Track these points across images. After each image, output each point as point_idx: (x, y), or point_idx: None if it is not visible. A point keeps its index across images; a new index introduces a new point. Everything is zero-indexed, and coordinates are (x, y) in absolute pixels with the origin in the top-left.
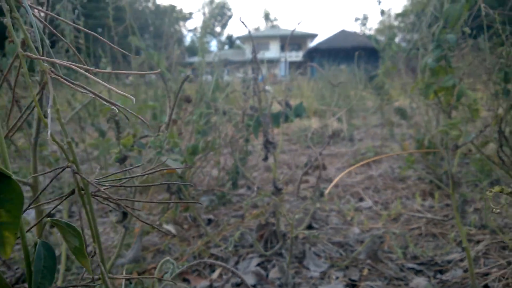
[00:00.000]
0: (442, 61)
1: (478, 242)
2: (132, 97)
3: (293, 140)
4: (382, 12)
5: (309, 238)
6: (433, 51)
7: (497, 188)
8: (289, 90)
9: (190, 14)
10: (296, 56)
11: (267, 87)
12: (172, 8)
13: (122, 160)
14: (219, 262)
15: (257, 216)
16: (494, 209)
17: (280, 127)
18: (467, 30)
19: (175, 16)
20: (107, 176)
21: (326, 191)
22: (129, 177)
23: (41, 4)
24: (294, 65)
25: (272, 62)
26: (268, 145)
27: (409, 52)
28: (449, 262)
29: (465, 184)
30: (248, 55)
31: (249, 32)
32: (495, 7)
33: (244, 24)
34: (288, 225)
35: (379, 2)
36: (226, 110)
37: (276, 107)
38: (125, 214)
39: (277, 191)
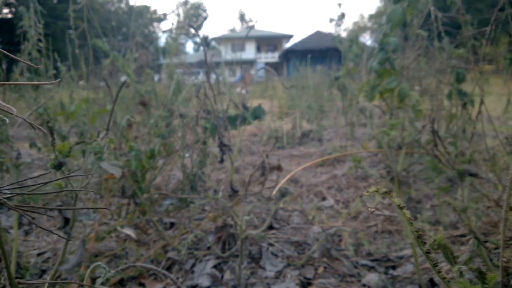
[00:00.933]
0: (387, 64)
1: (431, 237)
2: (13, 110)
3: (263, 141)
4: (343, 16)
5: (265, 239)
6: (377, 54)
7: (372, 189)
8: (247, 92)
9: (165, 15)
10: (272, 57)
11: (239, 89)
12: (146, 9)
13: (57, 166)
14: (152, 266)
15: (214, 218)
16: (369, 208)
17: (237, 129)
18: (422, 33)
19: (149, 17)
20: (12, 183)
21: (274, 191)
22: (39, 184)
23: None
24: (270, 66)
25: (249, 63)
26: (223, 147)
27: (372, 53)
28: (401, 258)
29: (423, 182)
30: (224, 56)
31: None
32: (442, 10)
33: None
34: (249, 226)
35: (339, 5)
36: (183, 113)
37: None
38: (66, 220)
39: (234, 193)
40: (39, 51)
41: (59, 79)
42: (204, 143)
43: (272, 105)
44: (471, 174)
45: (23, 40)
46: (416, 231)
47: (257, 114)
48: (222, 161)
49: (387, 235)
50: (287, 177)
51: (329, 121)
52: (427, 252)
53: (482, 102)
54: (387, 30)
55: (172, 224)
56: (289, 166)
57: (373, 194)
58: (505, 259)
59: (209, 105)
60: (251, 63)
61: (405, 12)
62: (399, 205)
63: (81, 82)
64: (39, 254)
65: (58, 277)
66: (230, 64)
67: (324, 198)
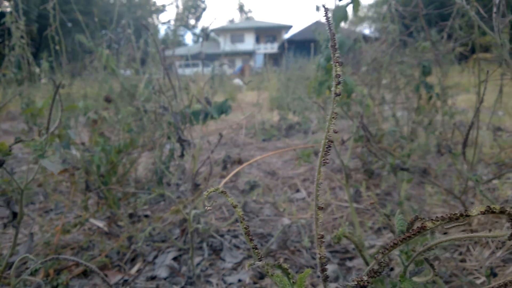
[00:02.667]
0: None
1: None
2: None
3: (251, 134)
4: (317, 9)
5: (208, 232)
6: (324, 50)
7: (212, 189)
8: (211, 87)
9: (164, 6)
10: (272, 47)
11: (237, 80)
12: (146, 0)
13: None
14: (72, 258)
15: (176, 211)
16: (206, 207)
17: (202, 124)
18: (392, 26)
19: (149, 9)
20: None
21: (221, 184)
22: None
23: None
24: (269, 57)
25: (248, 54)
26: (183, 142)
27: (355, 45)
28: None
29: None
30: (223, 47)
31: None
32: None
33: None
34: (219, 219)
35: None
36: (147, 109)
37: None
38: (14, 214)
39: (195, 187)
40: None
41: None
42: (169, 138)
43: (265, 98)
44: (402, 169)
45: (8, 36)
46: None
47: (223, 109)
48: (182, 156)
49: (351, 226)
50: (239, 168)
51: (319, 113)
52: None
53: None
54: (333, 26)
55: (146, 216)
56: (272, 158)
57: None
58: (320, 255)
59: (166, 102)
60: (250, 54)
61: (353, 8)
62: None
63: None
64: None
65: (10, 268)
66: (229, 55)
67: (298, 190)
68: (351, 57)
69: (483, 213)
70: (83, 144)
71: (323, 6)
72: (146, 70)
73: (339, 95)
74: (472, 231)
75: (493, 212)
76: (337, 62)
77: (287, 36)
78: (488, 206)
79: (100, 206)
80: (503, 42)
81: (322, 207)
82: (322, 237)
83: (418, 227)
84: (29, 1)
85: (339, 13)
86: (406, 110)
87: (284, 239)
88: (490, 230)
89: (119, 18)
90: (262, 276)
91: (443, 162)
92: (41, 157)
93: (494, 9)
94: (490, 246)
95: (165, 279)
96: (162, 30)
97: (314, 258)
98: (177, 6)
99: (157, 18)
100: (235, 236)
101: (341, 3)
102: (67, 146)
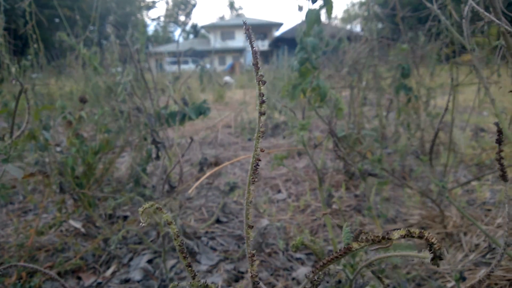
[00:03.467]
0: (308, 63)
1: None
2: None
3: (237, 133)
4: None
5: (174, 234)
6: (297, 53)
7: (148, 204)
8: (188, 88)
9: (154, 2)
10: (262, 45)
11: (227, 78)
12: None
13: None
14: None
15: (148, 214)
16: (141, 223)
17: (180, 125)
18: (373, 27)
19: (138, 5)
20: None
21: (194, 186)
22: None
23: None
24: (260, 54)
25: (238, 51)
26: (157, 144)
27: (339, 45)
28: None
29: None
30: (214, 44)
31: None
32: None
33: None
34: (198, 220)
35: None
36: (122, 110)
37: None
38: None
39: (171, 189)
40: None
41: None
42: (145, 139)
43: (254, 96)
44: (370, 174)
45: None
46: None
47: (202, 110)
48: (157, 157)
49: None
50: (213, 170)
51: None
52: (295, 251)
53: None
54: (305, 29)
55: (125, 218)
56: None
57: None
58: (251, 274)
59: (139, 103)
60: (240, 51)
61: (326, 11)
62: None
63: (35, 75)
64: None
65: None
66: (219, 52)
67: (279, 191)
68: (335, 57)
69: (403, 237)
70: (57, 145)
71: (298, 7)
72: (128, 69)
73: (263, 114)
74: (447, 234)
75: (412, 237)
76: (260, 80)
77: (278, 33)
78: (408, 230)
79: (76, 208)
80: (472, 47)
81: (252, 226)
82: (253, 255)
83: (344, 248)
84: None
85: (312, 16)
86: (389, 110)
87: (259, 242)
88: (465, 233)
89: (107, 14)
90: (236, 279)
91: (421, 164)
92: (5, 162)
93: (464, 14)
94: (464, 249)
95: (138, 282)
96: (152, 26)
97: (290, 261)
98: (166, 3)
99: (147, 14)
100: (212, 238)
101: (313, 6)
102: (42, 148)
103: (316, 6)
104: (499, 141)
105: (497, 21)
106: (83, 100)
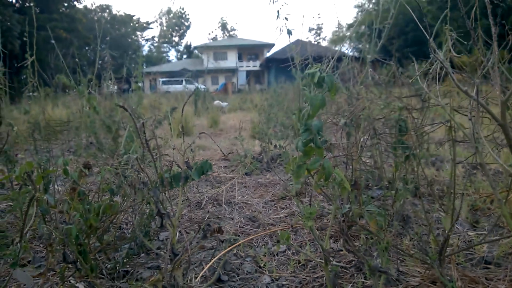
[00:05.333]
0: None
1: None
2: None
3: (233, 166)
4: (290, 32)
5: None
6: (302, 134)
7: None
8: (192, 151)
9: (148, 23)
10: (254, 65)
11: (218, 102)
12: (129, 17)
13: None
14: None
15: (156, 281)
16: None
17: (181, 186)
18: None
19: (133, 26)
20: None
21: (199, 277)
22: None
23: None
24: (252, 74)
25: (231, 72)
26: (161, 215)
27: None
28: None
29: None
30: (206, 64)
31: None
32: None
33: None
34: (197, 275)
35: (319, 15)
36: (126, 174)
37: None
38: None
39: (174, 256)
40: None
41: None
42: (148, 203)
43: (248, 121)
44: (380, 271)
45: None
46: None
47: (204, 169)
48: (161, 226)
49: None
50: (221, 253)
51: None
52: None
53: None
54: (310, 112)
55: (126, 272)
56: (253, 198)
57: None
58: None
59: (144, 177)
60: (233, 71)
61: (331, 95)
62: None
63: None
64: None
65: None
66: (212, 72)
67: (278, 241)
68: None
69: None
70: (61, 212)
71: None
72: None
73: None
74: None
75: None
76: None
77: (269, 54)
78: None
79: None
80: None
81: None
82: None
83: None
84: (12, 18)
85: (317, 102)
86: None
87: None
88: None
89: (103, 35)
90: None
91: (421, 210)
92: (13, 267)
93: None
94: None
95: None
96: (146, 47)
97: None
98: (161, 24)
99: (141, 35)
100: None
101: (317, 92)
102: (45, 211)
103: (321, 91)
104: None
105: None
106: (87, 167)
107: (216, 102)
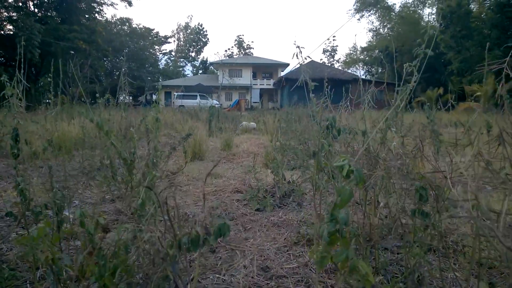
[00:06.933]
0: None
1: None
2: None
3: (246, 200)
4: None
5: None
6: (327, 224)
7: None
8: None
9: (166, 38)
10: (268, 84)
11: (245, 123)
12: (148, 31)
13: None
14: None
15: None
16: None
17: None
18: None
19: (151, 40)
20: None
21: None
22: None
23: None
24: (265, 92)
25: (245, 89)
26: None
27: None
28: None
29: None
30: (221, 80)
31: None
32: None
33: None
34: None
35: (334, 37)
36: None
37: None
38: None
39: None
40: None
41: None
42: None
43: (260, 144)
44: None
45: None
46: None
47: (222, 232)
48: None
49: None
50: None
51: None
52: None
53: None
54: (338, 202)
55: None
56: (266, 241)
57: None
58: None
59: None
60: (247, 88)
61: (358, 185)
62: None
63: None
64: None
65: None
66: (227, 88)
67: None
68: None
69: None
70: (77, 277)
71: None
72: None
73: None
74: None
75: None
76: None
77: (283, 73)
78: None
79: None
80: None
81: None
82: None
83: None
84: (33, 28)
85: (346, 195)
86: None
87: None
88: None
89: (121, 47)
90: None
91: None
92: None
93: None
94: None
95: None
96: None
97: None
98: (178, 39)
99: (159, 49)
100: None
101: (345, 184)
102: (60, 273)
103: (349, 183)
104: None
105: None
106: (105, 230)
107: (244, 123)
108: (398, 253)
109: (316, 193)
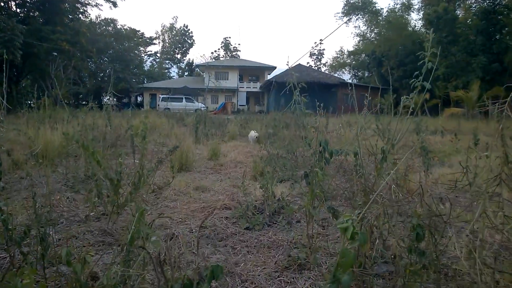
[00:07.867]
0: None
1: None
2: None
3: (235, 217)
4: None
5: None
6: (329, 284)
7: None
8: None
9: (151, 39)
10: (254, 87)
11: (251, 136)
12: (133, 32)
13: None
14: None
15: None
16: None
17: None
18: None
19: (136, 41)
20: None
21: None
22: None
23: None
24: (252, 95)
25: (231, 91)
26: None
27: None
28: None
29: None
30: (207, 83)
31: None
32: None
33: None
34: None
35: (321, 41)
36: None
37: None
38: None
39: None
40: None
41: None
42: None
43: (248, 153)
44: None
45: None
46: None
47: (215, 274)
48: None
49: None
50: None
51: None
52: None
53: None
54: (341, 263)
55: None
56: (256, 266)
57: None
58: None
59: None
60: (233, 91)
61: (361, 247)
62: None
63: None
64: None
65: None
66: (213, 91)
67: None
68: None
69: None
70: None
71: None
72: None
73: None
74: None
75: None
76: None
77: (270, 76)
78: None
79: None
80: None
81: None
82: None
83: None
84: (14, 28)
85: (349, 259)
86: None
87: None
88: None
89: (105, 48)
90: None
91: None
92: None
93: None
94: None
95: None
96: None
97: None
98: (163, 41)
99: (144, 50)
100: None
101: (348, 248)
102: None
103: (353, 245)
104: None
105: None
106: (94, 278)
107: (250, 136)
108: (390, 279)
109: (310, 221)
